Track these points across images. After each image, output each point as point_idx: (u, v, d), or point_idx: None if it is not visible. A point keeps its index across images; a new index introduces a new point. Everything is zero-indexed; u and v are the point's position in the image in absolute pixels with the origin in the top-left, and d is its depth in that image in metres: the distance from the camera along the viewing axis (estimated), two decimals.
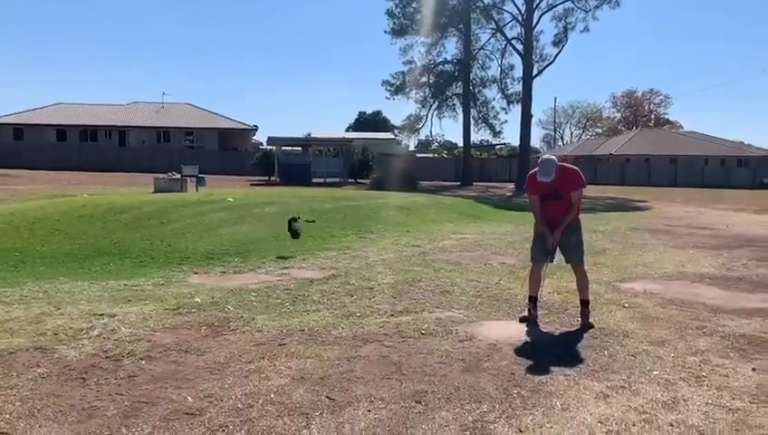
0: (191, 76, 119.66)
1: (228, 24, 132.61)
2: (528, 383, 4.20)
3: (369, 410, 3.70)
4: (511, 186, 34.61)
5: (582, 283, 5.85)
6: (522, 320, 5.84)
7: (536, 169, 5.73)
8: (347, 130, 66.02)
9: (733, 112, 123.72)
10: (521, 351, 4.93)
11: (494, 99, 39.79)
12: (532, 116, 35.59)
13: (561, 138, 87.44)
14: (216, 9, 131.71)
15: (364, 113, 72.69)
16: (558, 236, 5.68)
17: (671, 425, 3.58)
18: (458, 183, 36.65)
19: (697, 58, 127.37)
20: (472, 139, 40.14)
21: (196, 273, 8.08)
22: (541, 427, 3.52)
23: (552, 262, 5.93)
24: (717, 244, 12.12)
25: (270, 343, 4.96)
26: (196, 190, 20.87)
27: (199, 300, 6.32)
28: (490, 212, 18.40)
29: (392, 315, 5.91)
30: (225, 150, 46.63)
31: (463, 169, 38.80)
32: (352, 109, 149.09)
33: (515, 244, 11.16)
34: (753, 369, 4.62)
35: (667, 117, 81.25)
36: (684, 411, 3.79)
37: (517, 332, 5.47)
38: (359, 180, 34.28)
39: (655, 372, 4.49)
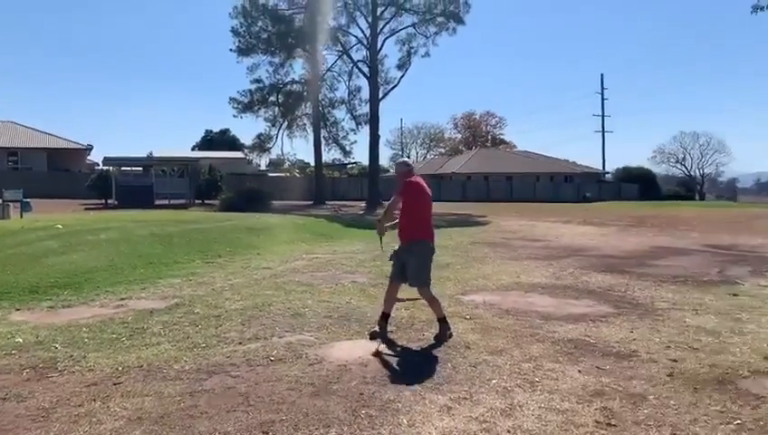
0: (16, 92, 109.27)
1: (59, 39, 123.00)
2: (376, 402, 4.25)
3: None
4: (362, 204, 35.24)
5: (431, 304, 6.02)
6: (371, 337, 5.91)
7: (413, 174, 5.94)
8: (193, 148, 63.70)
9: (559, 133, 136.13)
10: (369, 370, 4.99)
11: (344, 119, 40.47)
12: (379, 137, 36.63)
13: (408, 156, 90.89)
14: (48, 22, 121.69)
15: (211, 131, 70.59)
16: (381, 228, 5.95)
17: (508, 431, 3.79)
18: (311, 202, 36.66)
19: (529, 83, 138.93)
20: (323, 158, 40.43)
21: (17, 309, 7.30)
22: None
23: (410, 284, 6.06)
24: (548, 254, 13.16)
25: (103, 383, 4.59)
26: (21, 217, 18.97)
27: (21, 340, 5.72)
28: (342, 231, 18.59)
29: (240, 343, 5.72)
30: (56, 172, 42.88)
31: (315, 189, 38.88)
32: (198, 127, 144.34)
33: (366, 262, 11.34)
34: (579, 371, 5.03)
35: (502, 137, 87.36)
36: (520, 417, 4.02)
37: (366, 351, 5.53)
38: (206, 201, 33.08)
39: (494, 381, 4.74)
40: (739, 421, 3.98)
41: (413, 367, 5.12)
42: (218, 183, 34.62)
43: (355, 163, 60.56)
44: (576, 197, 52.85)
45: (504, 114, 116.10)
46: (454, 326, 6.39)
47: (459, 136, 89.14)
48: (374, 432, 3.75)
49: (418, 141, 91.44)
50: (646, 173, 58.91)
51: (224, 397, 4.35)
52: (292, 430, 3.77)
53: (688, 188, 61.24)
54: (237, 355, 5.33)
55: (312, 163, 45.57)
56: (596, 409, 4.18)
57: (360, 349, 5.59)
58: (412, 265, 5.90)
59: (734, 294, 8.48)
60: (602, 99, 65.05)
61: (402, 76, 36.99)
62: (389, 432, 3.76)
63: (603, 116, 65.17)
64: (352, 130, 39.43)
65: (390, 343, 5.80)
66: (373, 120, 34.92)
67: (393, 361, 5.30)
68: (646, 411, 4.14)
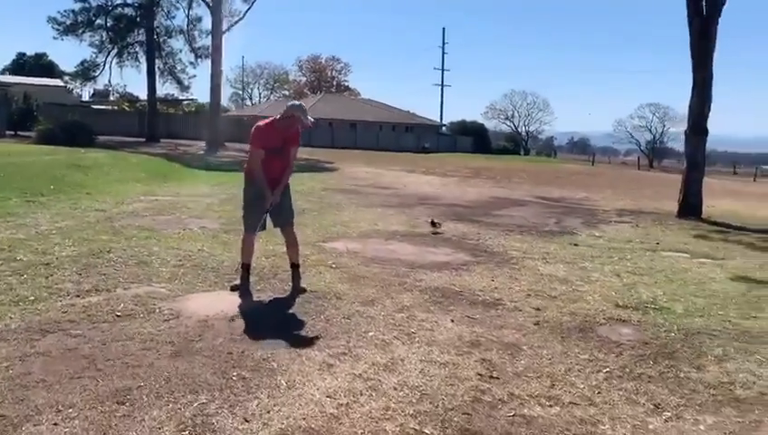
0: None
1: None
2: (248, 362, 3.83)
3: (55, 424, 2.93)
4: (201, 144, 33.25)
5: (294, 246, 5.67)
6: (233, 289, 5.42)
7: (269, 119, 5.32)
8: (2, 72, 55.92)
9: (401, 84, 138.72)
10: (236, 325, 4.53)
11: (182, 51, 37.59)
12: (222, 72, 34.61)
13: (250, 98, 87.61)
14: None
15: (24, 55, 62.36)
16: (278, 196, 5.37)
17: (395, 389, 3.58)
18: (143, 139, 33.93)
19: (375, 32, 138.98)
20: (157, 92, 37.41)
21: None
22: (268, 412, 3.19)
23: (264, 229, 5.59)
24: (399, 203, 13.24)
25: None
26: None
27: None
28: (183, 172, 17.31)
29: (78, 296, 4.94)
30: None
31: (148, 124, 36.01)
32: (8, 49, 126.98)
33: (214, 206, 10.57)
34: (452, 320, 4.97)
35: (347, 84, 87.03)
36: (403, 372, 3.83)
37: (229, 304, 5.03)
38: (20, 133, 29.31)
39: (371, 334, 4.51)
40: (608, 369, 4.12)
41: (284, 321, 4.74)
42: (34, 113, 30.75)
43: (191, 100, 57.09)
44: (416, 147, 54.36)
45: (349, 61, 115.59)
46: (320, 275, 6.09)
47: (304, 79, 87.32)
48: (250, 397, 3.35)
49: (261, 82, 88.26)
50: (479, 127, 62.12)
51: (64, 360, 3.67)
52: (154, 399, 3.24)
53: (515, 144, 65.66)
54: (76, 310, 4.58)
55: (144, 97, 42.12)
56: (476, 361, 4.11)
57: (221, 302, 5.08)
58: (287, 204, 5.49)
59: (575, 244, 9.04)
60: (443, 53, 67.10)
61: (248, 9, 35.00)
62: (268, 396, 3.37)
63: (443, 70, 67.36)
64: (191, 63, 36.85)
65: (256, 296, 5.35)
66: (216, 54, 32.76)
67: (262, 315, 4.87)
68: (523, 362, 4.15)
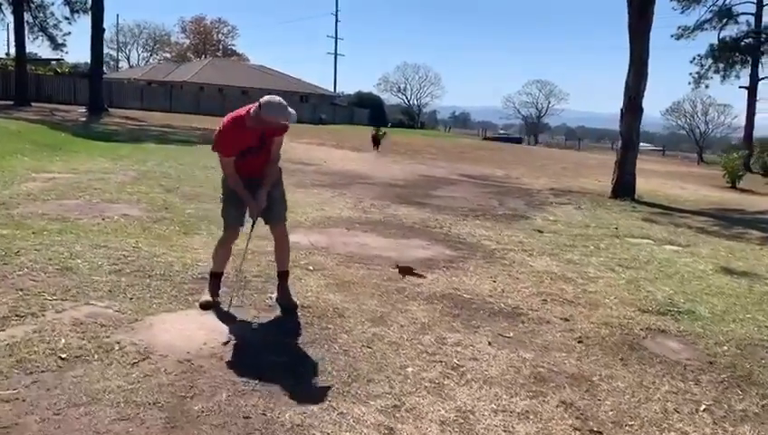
0: None
1: None
2: (278, 432, 2.74)
3: None
4: (81, 109, 29.86)
5: (285, 248, 4.52)
6: (204, 307, 4.21)
7: (235, 115, 4.08)
8: None
9: (294, 51, 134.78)
10: (233, 366, 3.37)
11: (53, 4, 33.44)
12: (104, 30, 31.09)
13: (128, 60, 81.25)
14: None
15: None
16: (264, 198, 4.19)
17: None
18: (11, 102, 29.95)
19: None
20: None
21: None
22: None
23: (242, 225, 4.41)
24: (331, 182, 12.14)
25: None
26: None
27: None
28: (74, 142, 15.02)
29: None
30: None
31: (16, 86, 31.76)
32: None
33: (126, 186, 8.97)
34: (489, 343, 4.09)
35: (234, 48, 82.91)
36: (484, 433, 2.90)
37: (208, 331, 3.84)
38: None
39: (410, 369, 3.54)
40: (705, 406, 3.43)
41: (293, 355, 3.63)
42: None
43: (59, 59, 51.77)
44: (312, 117, 52.70)
45: (236, 24, 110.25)
46: (300, 282, 4.99)
47: (188, 42, 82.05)
48: None
49: (140, 42, 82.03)
50: (376, 100, 61.38)
51: None
52: None
53: (411, 117, 65.64)
54: None
55: (4, 55, 37.39)
56: (557, 406, 3.27)
57: (195, 328, 3.88)
58: (278, 195, 4.34)
59: (540, 231, 8.46)
60: (336, 20, 65.40)
61: None
62: None
63: (336, 38, 65.73)
64: (66, 18, 32.94)
65: (236, 313, 4.18)
66: (96, 8, 29.36)
67: (258, 347, 3.72)
68: (609, 404, 3.36)
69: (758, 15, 34.42)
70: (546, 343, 4.21)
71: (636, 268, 6.62)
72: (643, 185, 15.40)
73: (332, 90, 61.77)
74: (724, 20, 35.10)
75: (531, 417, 3.11)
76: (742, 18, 34.92)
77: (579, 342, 4.28)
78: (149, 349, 3.48)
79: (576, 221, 9.69)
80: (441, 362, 3.69)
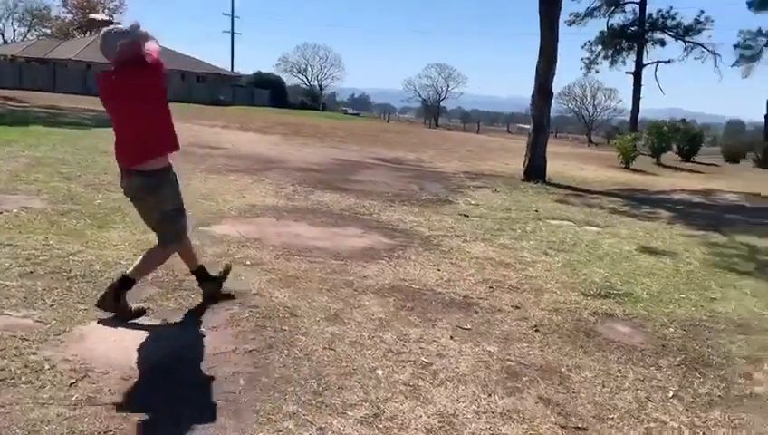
0: None
1: None
2: None
3: None
4: None
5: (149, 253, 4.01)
6: (137, 315, 3.76)
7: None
8: None
9: (187, 29, 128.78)
10: (189, 381, 3.01)
11: None
12: None
13: (2, 35, 74.45)
14: None
15: None
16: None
17: None
18: None
19: None
20: None
21: None
22: None
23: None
24: (246, 167, 11.59)
25: None
26: None
27: None
28: None
29: None
30: None
31: None
32: None
33: (21, 174, 8.07)
34: (451, 337, 3.95)
35: (121, 26, 77.92)
36: None
37: (150, 340, 3.43)
38: None
39: (380, 372, 3.31)
40: (672, 392, 3.46)
41: (253, 364, 3.30)
42: None
43: None
44: (210, 98, 50.73)
45: None
46: (242, 279, 4.62)
47: (70, 17, 76.30)
48: None
49: (15, 17, 75.32)
50: (276, 80, 59.95)
51: None
52: None
53: (314, 99, 64.73)
54: None
55: None
56: (536, 403, 3.17)
57: (134, 336, 3.46)
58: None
59: (466, 216, 8.45)
60: None
61: None
62: None
63: (233, 16, 63.48)
64: None
65: (175, 320, 3.77)
66: None
67: (211, 355, 3.35)
68: (584, 396, 3.31)
69: (642, 4, 36.54)
70: (505, 333, 4.12)
71: (566, 251, 6.73)
72: (549, 167, 15.93)
73: (230, 69, 59.67)
74: (612, 8, 37.07)
75: (514, 417, 2.98)
76: (628, 7, 37.00)
77: (536, 330, 4.23)
78: (86, 365, 3.04)
79: (497, 204, 9.79)
80: (410, 361, 3.50)
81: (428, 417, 2.89)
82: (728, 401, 3.39)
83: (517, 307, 4.68)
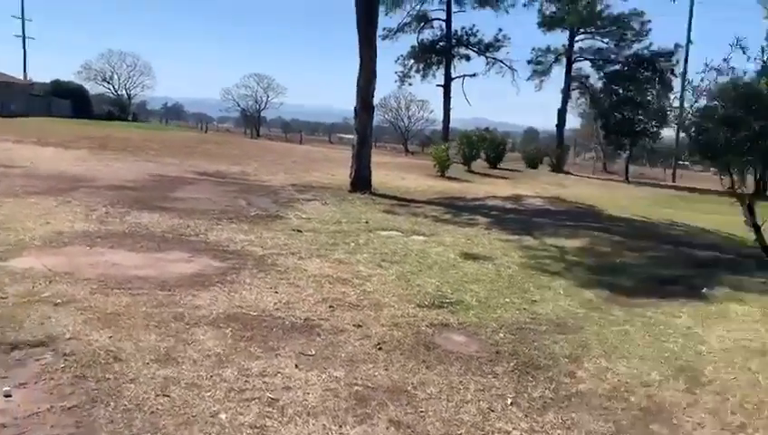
0: None
1: None
2: None
3: None
4: None
5: None
6: None
7: None
8: None
9: None
10: None
11: None
12: None
13: None
14: None
15: None
16: None
17: None
18: None
19: None
20: None
21: None
22: None
23: None
24: (49, 187, 10.40)
25: None
26: None
27: None
28: None
29: None
30: None
31: None
32: None
33: None
34: (296, 366, 3.78)
35: None
36: None
37: None
38: None
39: (223, 416, 3.07)
40: (510, 399, 3.62)
41: (77, 428, 2.86)
42: None
43: None
44: (0, 109, 45.23)
45: None
46: (50, 321, 4.07)
47: None
48: None
49: None
50: (78, 89, 54.96)
51: None
52: None
53: (122, 109, 60.32)
54: None
55: None
56: (387, 428, 3.14)
57: None
58: None
59: (299, 231, 8.34)
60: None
61: None
62: None
63: (23, 18, 57.22)
64: None
65: None
66: None
67: (23, 422, 2.86)
68: (431, 414, 3.35)
69: (448, 22, 39.04)
70: (350, 355, 4.06)
71: (399, 262, 6.88)
72: (373, 177, 16.33)
73: (23, 77, 53.65)
74: (422, 24, 39.14)
75: None
76: (436, 23, 39.27)
77: (379, 349, 4.23)
78: None
79: (328, 217, 9.78)
80: (254, 398, 3.28)
81: None
82: (558, 401, 3.62)
83: (359, 326, 4.65)
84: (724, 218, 11.48)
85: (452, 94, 39.52)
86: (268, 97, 75.12)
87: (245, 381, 3.49)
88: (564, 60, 38.43)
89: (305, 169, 19.90)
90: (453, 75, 39.45)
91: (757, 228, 8.02)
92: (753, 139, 7.39)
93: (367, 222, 9.59)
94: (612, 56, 37.90)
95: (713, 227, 11.95)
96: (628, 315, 5.47)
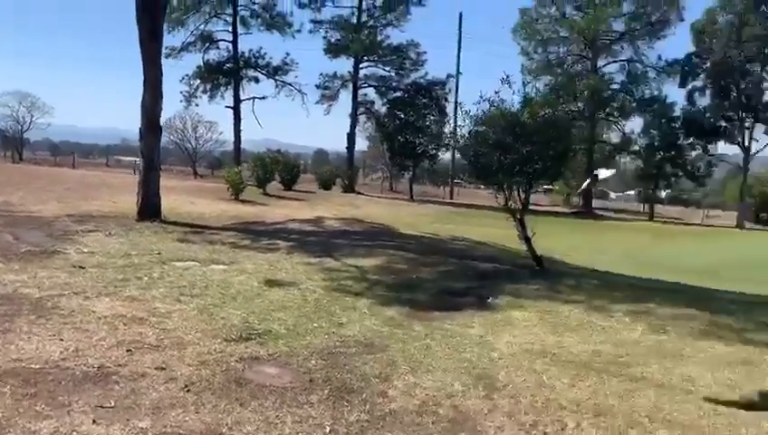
0: None
1: None
2: None
3: None
4: None
5: None
6: None
7: None
8: None
9: None
10: None
11: None
12: None
13: None
14: None
15: None
16: None
17: None
18: None
19: None
20: None
21: None
22: None
23: None
24: None
25: None
26: None
27: None
28: None
29: None
30: None
31: None
32: None
33: None
34: (93, 421, 3.42)
35: None
36: None
37: None
38: None
39: None
40: (325, 425, 3.63)
41: None
42: None
43: None
44: None
45: None
46: None
47: None
48: None
49: None
50: None
51: None
52: None
53: None
54: None
55: None
56: None
57: None
58: None
59: (82, 267, 7.58)
60: None
61: None
62: None
63: None
64: None
65: None
66: None
67: None
68: None
69: (235, 43, 38.60)
70: (154, 402, 3.77)
71: (199, 295, 6.58)
72: (162, 203, 15.46)
73: None
74: (207, 44, 38.20)
75: None
76: (222, 44, 38.59)
77: (187, 391, 3.99)
78: None
79: (114, 250, 9.02)
80: None
81: None
82: (374, 423, 3.71)
83: (162, 368, 4.34)
84: (498, 232, 12.78)
85: (242, 116, 39.04)
86: (32, 117, 67.56)
87: None
88: (351, 85, 40.13)
89: (82, 196, 18.16)
90: (242, 97, 39.04)
91: (528, 240, 9.08)
92: (522, 162, 8.41)
93: (159, 253, 9.02)
94: (394, 84, 40.48)
95: (490, 240, 13.28)
96: (428, 329, 5.82)
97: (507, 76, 8.54)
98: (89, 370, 4.18)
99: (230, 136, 40.56)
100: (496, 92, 8.62)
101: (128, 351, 4.63)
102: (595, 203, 46.72)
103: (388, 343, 5.32)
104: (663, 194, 56.13)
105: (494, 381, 4.52)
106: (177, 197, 20.39)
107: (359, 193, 34.72)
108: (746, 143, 43.03)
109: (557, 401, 4.21)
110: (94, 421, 3.42)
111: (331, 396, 4.08)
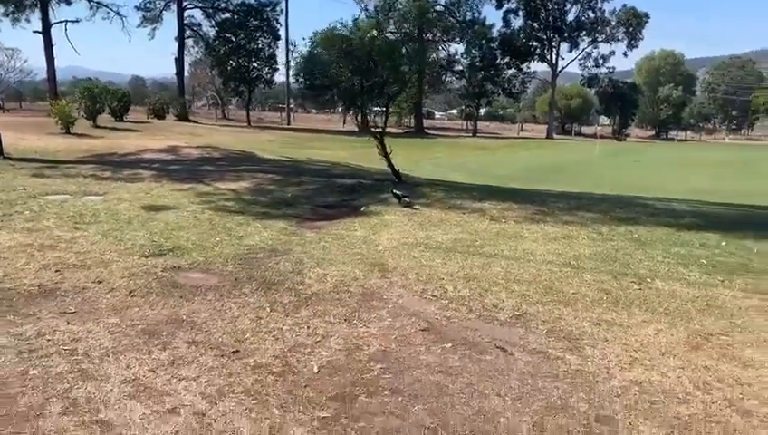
0: None
1: None
2: None
3: None
4: None
5: None
6: None
7: None
8: None
9: None
10: None
11: None
12: None
13: None
14: None
15: None
16: None
17: None
18: None
19: None
20: None
21: None
22: None
23: None
24: None
25: None
26: None
27: None
28: None
29: None
30: None
31: None
32: None
33: None
34: (69, 323, 3.95)
35: None
36: None
37: None
38: None
39: None
40: (264, 307, 4.46)
41: None
42: None
43: None
44: None
45: None
46: None
47: None
48: None
49: None
50: None
51: None
52: None
53: None
54: None
55: None
56: (187, 347, 3.71)
57: None
58: None
59: None
60: None
61: None
62: None
63: None
64: None
65: None
66: None
67: None
68: (216, 330, 3.99)
69: None
70: (111, 305, 4.33)
71: (94, 223, 6.87)
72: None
73: None
74: None
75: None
76: None
77: (133, 296, 4.56)
78: None
79: None
80: (53, 353, 3.45)
81: None
82: (304, 301, 4.60)
83: (99, 281, 4.83)
84: (345, 153, 13.88)
85: (54, 42, 35.66)
86: None
87: (28, 343, 3.57)
88: (175, 6, 38.01)
89: None
90: (52, 21, 35.53)
91: (387, 156, 10.18)
92: (381, 85, 9.32)
93: (24, 189, 8.89)
94: (222, 4, 39.01)
95: (341, 160, 14.27)
96: (320, 235, 6.73)
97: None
98: (32, 289, 4.57)
99: (37, 65, 36.93)
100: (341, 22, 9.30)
101: (56, 271, 5.02)
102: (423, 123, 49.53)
103: (290, 248, 6.16)
104: (482, 111, 60.68)
105: (386, 266, 5.58)
106: (5, 132, 18.86)
107: (195, 122, 33.80)
108: (554, 60, 47.75)
109: (436, 274, 5.38)
110: (68, 323, 3.94)
111: (260, 288, 4.87)
